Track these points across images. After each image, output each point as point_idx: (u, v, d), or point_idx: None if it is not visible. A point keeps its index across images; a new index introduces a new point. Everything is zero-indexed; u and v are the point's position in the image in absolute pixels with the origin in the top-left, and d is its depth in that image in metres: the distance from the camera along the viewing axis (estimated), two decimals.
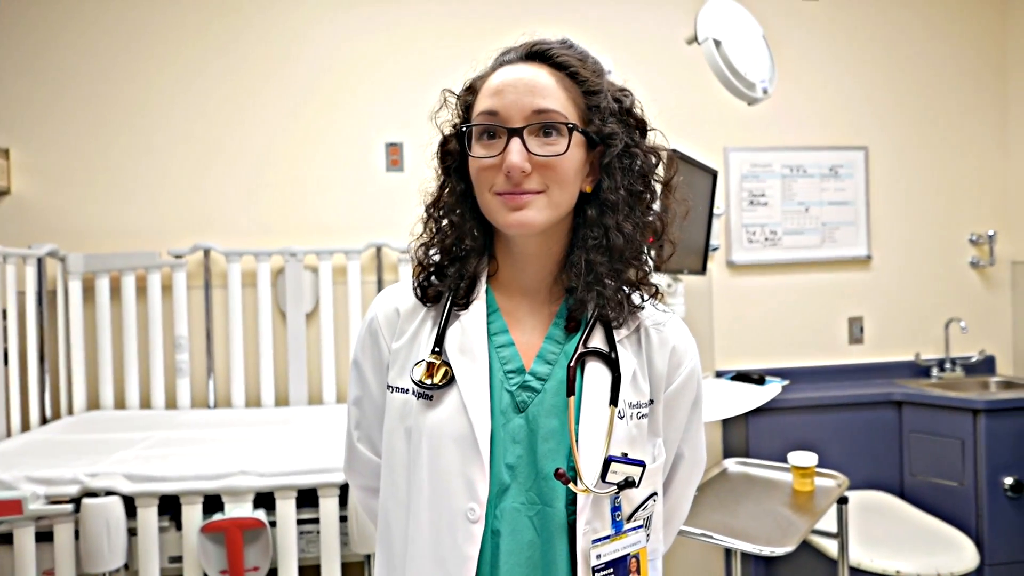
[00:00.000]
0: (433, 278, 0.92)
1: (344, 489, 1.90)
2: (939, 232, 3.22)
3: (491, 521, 0.82)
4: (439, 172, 0.93)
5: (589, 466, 0.81)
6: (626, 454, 0.83)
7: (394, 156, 2.80)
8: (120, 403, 2.62)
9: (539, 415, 0.85)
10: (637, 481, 0.82)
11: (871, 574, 2.22)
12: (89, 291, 2.60)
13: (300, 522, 1.94)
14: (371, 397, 0.95)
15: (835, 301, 3.14)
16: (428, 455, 0.83)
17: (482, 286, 0.91)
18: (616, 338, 0.88)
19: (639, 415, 0.87)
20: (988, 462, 2.60)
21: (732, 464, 2.22)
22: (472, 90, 0.89)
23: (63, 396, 2.52)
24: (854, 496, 2.66)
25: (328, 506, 1.89)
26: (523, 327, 0.90)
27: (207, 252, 2.66)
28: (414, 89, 2.77)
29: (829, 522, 2.00)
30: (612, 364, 0.86)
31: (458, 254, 0.91)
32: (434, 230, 0.92)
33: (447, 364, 0.86)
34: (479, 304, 0.89)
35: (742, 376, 2.57)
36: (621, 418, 0.85)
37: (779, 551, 1.59)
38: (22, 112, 2.62)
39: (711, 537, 1.66)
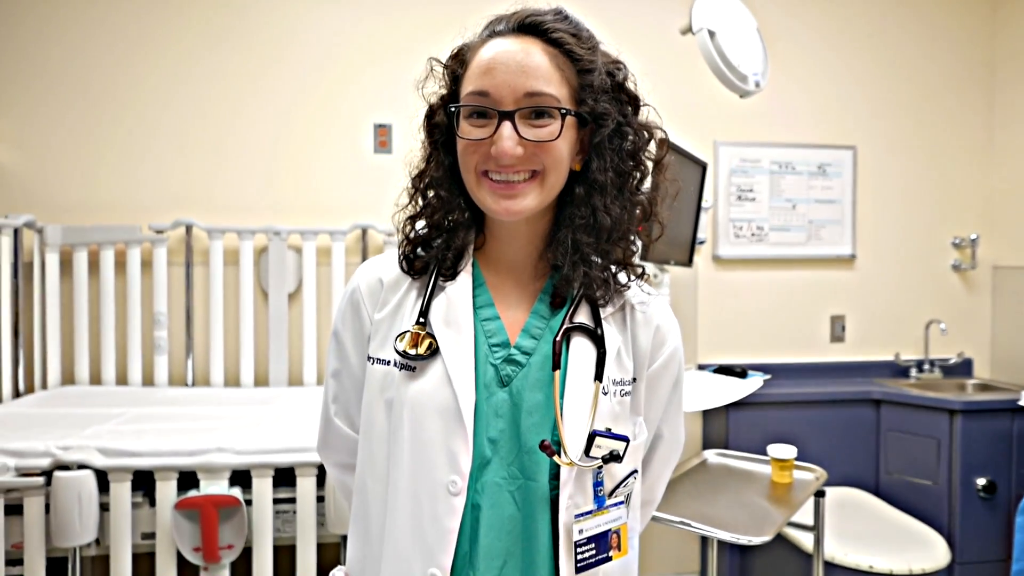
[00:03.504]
0: (419, 250, 0.91)
1: (322, 469, 1.88)
2: (923, 234, 3.24)
3: (471, 495, 0.81)
4: (426, 145, 0.90)
5: (574, 439, 0.80)
6: (610, 429, 0.82)
7: (382, 137, 2.77)
8: (96, 379, 2.57)
9: (523, 389, 0.84)
10: (621, 455, 0.81)
11: (845, 568, 2.24)
12: (67, 264, 2.54)
13: (276, 501, 1.92)
14: (350, 370, 0.93)
15: (818, 299, 3.16)
16: (410, 427, 0.82)
17: (469, 258, 0.89)
18: (601, 315, 0.87)
19: (622, 392, 0.87)
20: (962, 462, 2.63)
21: (712, 455, 2.23)
22: (460, 59, 0.87)
23: (37, 370, 2.47)
24: (830, 492, 2.67)
25: (305, 486, 1.87)
26: (508, 301, 0.89)
27: (189, 228, 2.62)
28: (404, 70, 2.71)
29: (805, 515, 2.02)
30: (597, 340, 0.86)
31: (446, 227, 0.89)
32: (420, 203, 0.90)
33: (431, 335, 0.84)
34: (465, 276, 0.88)
35: (724, 369, 2.58)
36: (605, 394, 0.84)
37: (755, 540, 1.59)
38: (2, 80, 2.55)
39: (689, 525, 1.67)
